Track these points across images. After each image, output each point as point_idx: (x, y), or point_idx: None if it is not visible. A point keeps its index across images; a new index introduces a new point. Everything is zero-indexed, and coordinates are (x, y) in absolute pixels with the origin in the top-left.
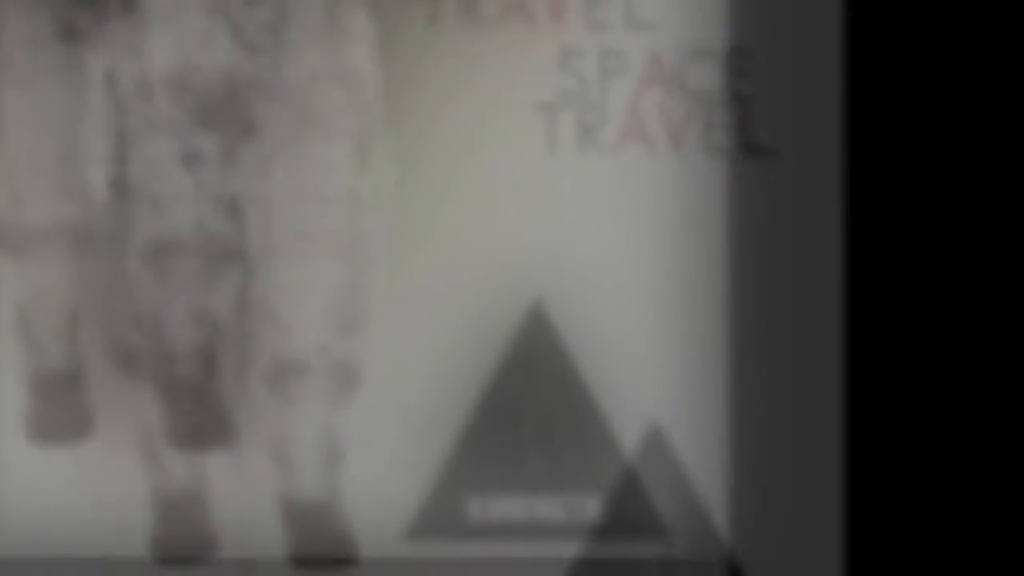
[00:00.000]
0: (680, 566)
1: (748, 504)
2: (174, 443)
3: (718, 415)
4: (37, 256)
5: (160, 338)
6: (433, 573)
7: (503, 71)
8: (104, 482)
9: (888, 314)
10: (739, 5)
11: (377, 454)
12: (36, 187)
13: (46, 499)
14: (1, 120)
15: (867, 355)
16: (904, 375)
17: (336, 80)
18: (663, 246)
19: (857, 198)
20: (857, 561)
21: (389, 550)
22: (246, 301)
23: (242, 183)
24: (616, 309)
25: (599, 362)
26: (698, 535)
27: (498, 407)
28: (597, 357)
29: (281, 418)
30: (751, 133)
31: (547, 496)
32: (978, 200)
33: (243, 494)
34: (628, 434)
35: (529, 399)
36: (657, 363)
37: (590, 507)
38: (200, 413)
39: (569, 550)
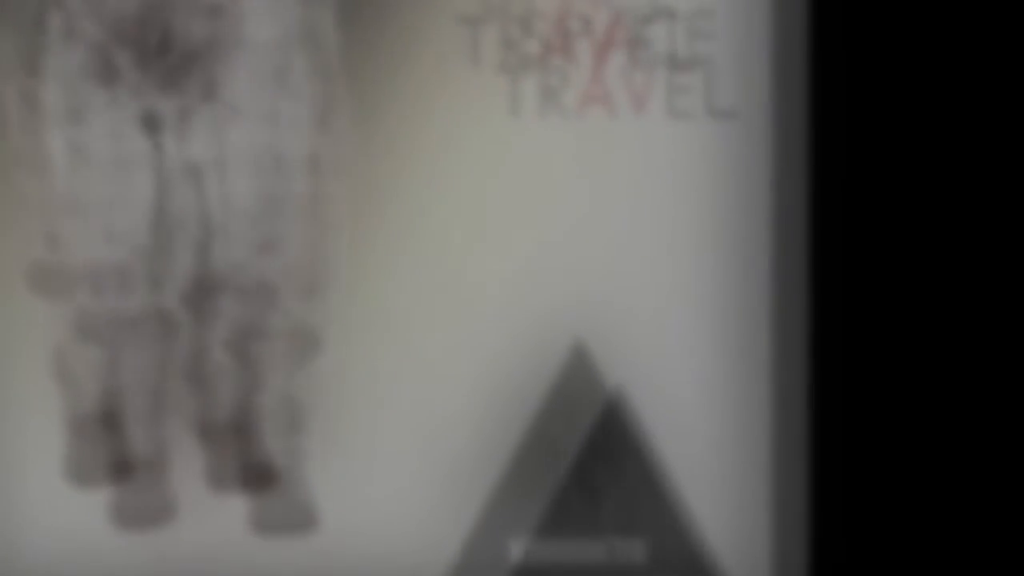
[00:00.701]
0: None
1: (793, 544)
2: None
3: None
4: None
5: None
6: None
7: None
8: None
9: (854, 282)
10: None
11: (419, 496)
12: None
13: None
14: (46, 163)
15: (833, 328)
16: (870, 348)
17: (298, 43)
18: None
19: (823, 162)
20: None
21: None
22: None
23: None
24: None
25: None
26: None
27: (539, 450)
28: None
29: (243, 381)
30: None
31: (589, 540)
32: (942, 156)
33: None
34: (670, 472)
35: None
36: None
37: (635, 550)
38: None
39: None
